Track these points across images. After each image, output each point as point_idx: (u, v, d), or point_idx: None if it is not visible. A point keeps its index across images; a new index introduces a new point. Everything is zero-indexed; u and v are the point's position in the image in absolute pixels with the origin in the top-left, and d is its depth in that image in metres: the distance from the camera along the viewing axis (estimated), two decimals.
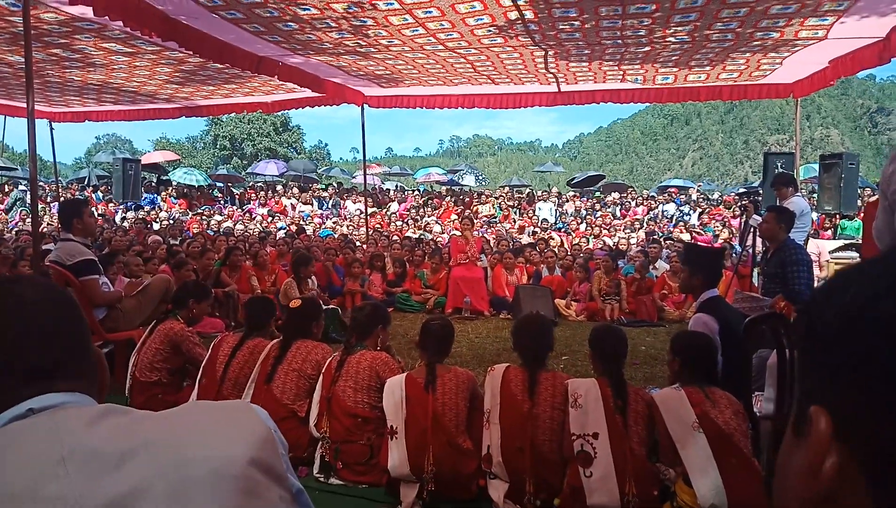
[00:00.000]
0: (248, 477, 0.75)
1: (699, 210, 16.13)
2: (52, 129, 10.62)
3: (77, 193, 17.22)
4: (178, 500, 0.71)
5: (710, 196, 18.73)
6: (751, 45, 6.32)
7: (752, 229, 6.04)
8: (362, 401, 3.25)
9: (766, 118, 65.38)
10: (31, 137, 4.49)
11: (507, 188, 22.24)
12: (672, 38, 6.08)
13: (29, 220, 13.92)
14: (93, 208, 5.54)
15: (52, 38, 6.24)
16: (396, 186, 24.91)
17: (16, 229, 13.27)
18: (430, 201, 17.94)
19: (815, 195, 13.18)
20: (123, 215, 14.89)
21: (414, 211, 17.11)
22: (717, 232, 13.02)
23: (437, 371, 3.10)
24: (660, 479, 2.68)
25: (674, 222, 15.06)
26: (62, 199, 13.68)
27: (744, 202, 6.26)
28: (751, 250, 6.50)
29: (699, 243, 9.61)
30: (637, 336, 6.28)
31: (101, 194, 16.79)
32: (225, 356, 3.79)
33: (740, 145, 66.54)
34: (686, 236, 12.44)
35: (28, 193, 16.27)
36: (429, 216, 16.39)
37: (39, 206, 14.60)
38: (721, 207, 16.33)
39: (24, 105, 9.72)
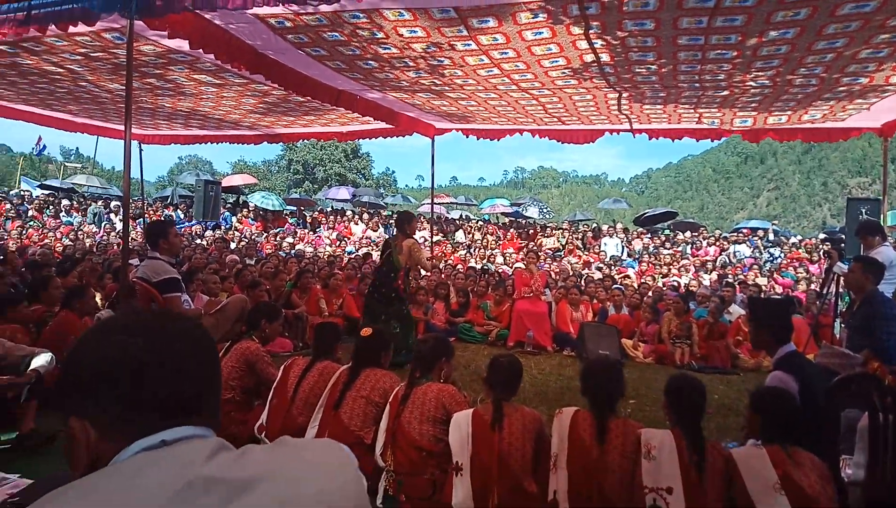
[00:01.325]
0: None
1: (776, 254, 15.47)
2: (141, 150, 11.27)
3: (161, 210, 18.18)
4: None
5: (786, 239, 17.93)
6: (836, 90, 6.09)
7: (835, 278, 5.76)
8: (427, 433, 3.26)
9: (847, 160, 62.38)
10: (126, 161, 4.79)
11: (570, 222, 22.05)
12: (752, 83, 5.94)
13: (113, 233, 14.80)
14: (177, 229, 5.83)
15: (149, 68, 6.68)
16: (461, 215, 25.10)
17: (102, 241, 14.10)
18: (486, 234, 17.94)
19: None
20: (201, 233, 15.61)
21: (478, 242, 17.17)
22: (798, 277, 12.41)
23: (505, 410, 3.07)
24: None
25: (748, 265, 14.47)
26: (147, 217, 14.48)
27: (827, 248, 5.97)
28: (833, 300, 6.18)
29: (766, 296, 9.16)
30: (709, 383, 5.95)
31: (181, 213, 17.67)
32: (295, 377, 3.89)
33: (818, 187, 63.65)
34: (763, 281, 11.93)
35: (101, 208, 17.37)
36: (492, 248, 16.38)
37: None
38: (800, 250, 15.60)
39: (116, 127, 10.54)
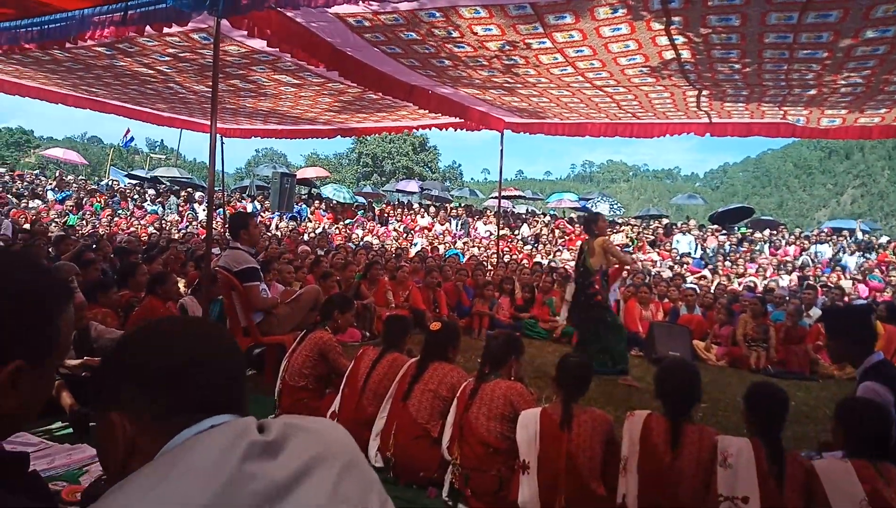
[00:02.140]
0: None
1: (861, 254, 14.61)
2: (223, 143, 11.75)
3: (240, 201, 18.93)
4: (350, 463, 0.96)
5: (875, 238, 16.88)
6: None
7: None
8: (495, 430, 3.28)
9: None
10: (211, 158, 5.02)
11: (641, 218, 21.50)
12: (843, 82, 5.60)
13: (196, 222, 15.53)
14: (257, 221, 6.08)
15: (233, 68, 6.97)
16: (527, 209, 24.93)
17: (184, 230, 14.84)
18: (553, 229, 17.72)
19: None
20: (277, 224, 16.19)
21: (544, 236, 17.02)
22: (888, 281, 11.69)
23: (574, 411, 3.06)
24: None
25: (829, 267, 13.74)
26: (227, 208, 15.12)
27: None
28: None
29: (840, 304, 8.64)
30: (787, 389, 5.77)
31: (258, 204, 18.36)
32: (366, 368, 4.00)
33: None
34: (847, 284, 11.30)
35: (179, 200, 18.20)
36: (559, 244, 16.20)
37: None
38: (888, 252, 14.67)
39: (199, 121, 11.06)
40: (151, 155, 44.00)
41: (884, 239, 16.73)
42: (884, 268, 13.11)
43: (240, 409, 0.97)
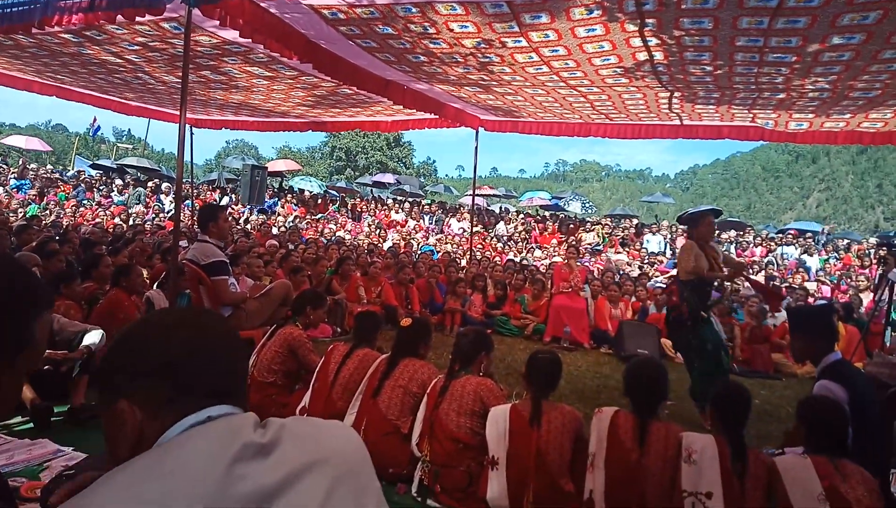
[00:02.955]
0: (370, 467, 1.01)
1: (825, 256, 15.01)
2: (192, 134, 11.55)
3: (208, 194, 18.61)
4: (346, 471, 0.94)
5: (837, 242, 17.35)
6: None
7: (889, 284, 5.58)
8: (465, 426, 3.29)
9: None
10: (180, 149, 4.92)
11: (612, 218, 21.74)
12: (810, 87, 5.74)
13: (162, 215, 15.23)
14: (227, 214, 5.95)
15: (204, 59, 6.84)
16: (501, 207, 25.04)
17: (148, 221, 14.53)
18: (525, 228, 17.84)
19: None
20: (247, 217, 15.96)
21: (517, 234, 17.11)
22: (852, 284, 11.96)
23: (543, 407, 3.09)
24: None
25: (794, 267, 14.08)
26: (195, 200, 14.85)
27: (882, 254, 5.77)
28: (885, 307, 5.99)
29: (804, 304, 8.88)
30: (750, 388, 5.89)
31: (231, 197, 18.07)
32: (336, 363, 3.98)
33: (873, 189, 61.23)
34: (812, 285, 11.58)
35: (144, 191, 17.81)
36: (533, 242, 16.31)
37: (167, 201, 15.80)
38: (851, 255, 15.09)
39: (169, 110, 10.83)
40: (118, 145, 42.97)
41: (845, 241, 17.21)
42: (844, 270, 13.48)
43: (240, 399, 1.00)
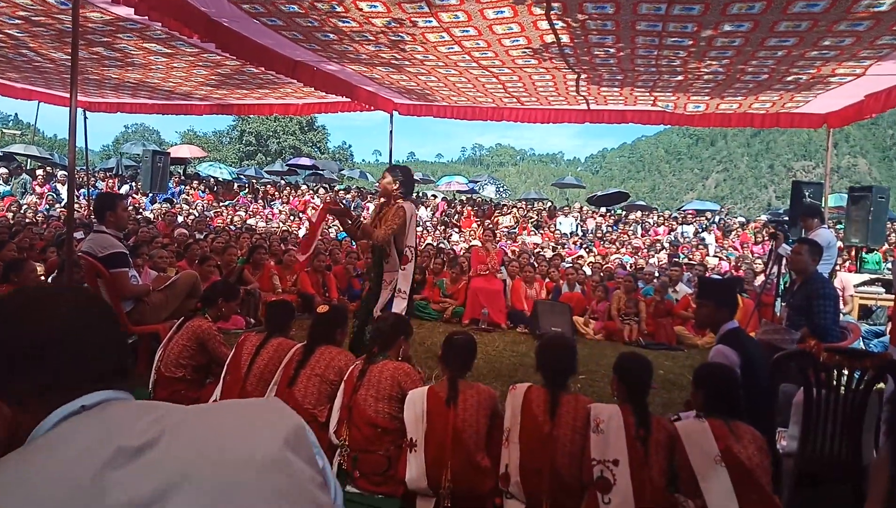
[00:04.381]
0: (283, 459, 0.81)
1: (720, 234, 16.00)
2: (86, 118, 10.79)
3: (105, 181, 17.49)
4: (223, 491, 0.76)
5: (729, 221, 18.56)
6: (785, 80, 6.30)
7: (779, 258, 6.00)
8: (383, 411, 3.27)
9: (793, 144, 64.66)
10: (71, 133, 4.61)
11: (525, 201, 22.25)
12: (705, 70, 6.08)
13: (58, 205, 14.20)
14: (126, 203, 5.61)
15: (96, 36, 6.38)
16: (420, 193, 25.02)
17: (44, 212, 13.51)
18: (455, 213, 17.97)
19: (840, 226, 13.02)
20: (148, 206, 15.13)
21: (439, 219, 17.19)
22: (741, 259, 12.82)
23: (460, 387, 3.12)
24: None
25: (694, 245, 14.95)
26: (92, 188, 13.92)
27: (773, 230, 6.21)
28: (775, 279, 6.45)
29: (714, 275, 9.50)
30: (655, 359, 6.19)
31: (132, 185, 17.06)
32: (249, 354, 3.85)
33: (765, 169, 65.85)
34: (714, 261, 12.31)
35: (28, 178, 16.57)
36: (451, 226, 16.43)
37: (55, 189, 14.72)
38: (747, 232, 16.17)
39: (59, 94, 10.06)
40: (4, 130, 39.60)
41: (740, 219, 18.42)
42: (736, 246, 14.44)
43: (121, 380, 0.91)
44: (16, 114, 59.49)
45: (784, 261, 5.78)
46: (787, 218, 11.07)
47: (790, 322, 4.38)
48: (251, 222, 15.04)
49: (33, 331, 0.87)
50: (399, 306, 4.54)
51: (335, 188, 20.92)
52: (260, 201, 18.23)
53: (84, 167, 13.16)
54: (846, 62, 5.51)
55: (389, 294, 4.64)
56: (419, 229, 15.89)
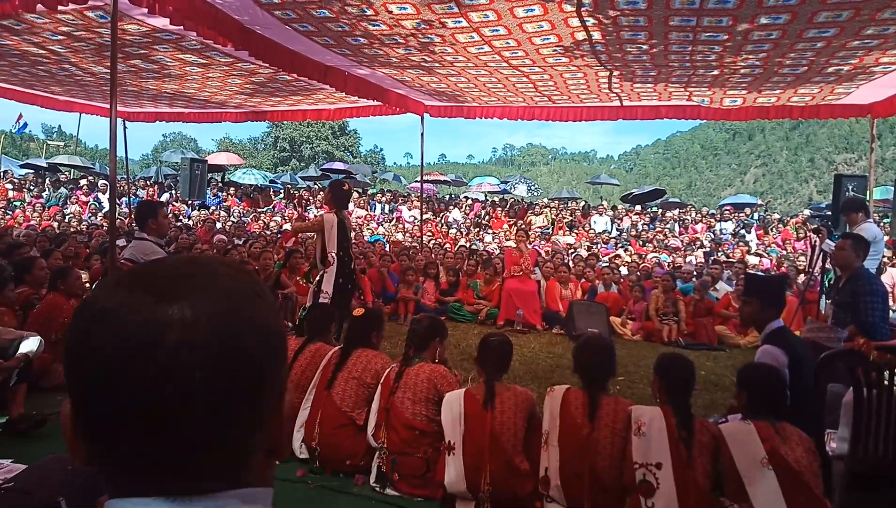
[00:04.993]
0: None
1: (762, 231, 15.60)
2: (125, 128, 11.08)
3: (146, 189, 17.95)
4: None
5: (769, 216, 18.08)
6: (825, 72, 6.11)
7: (823, 255, 5.82)
8: (420, 413, 3.28)
9: (834, 136, 62.68)
10: (111, 144, 4.73)
11: (558, 200, 22.03)
12: (742, 64, 5.94)
13: (101, 213, 14.62)
14: (167, 210, 5.73)
15: (134, 48, 6.55)
16: (450, 195, 25.03)
17: (87, 221, 13.93)
18: (485, 214, 17.95)
19: (887, 220, 12.56)
20: (188, 213, 15.48)
21: (471, 220, 17.18)
22: (783, 257, 12.46)
23: (496, 389, 3.10)
24: None
25: (734, 242, 14.60)
26: (133, 197, 14.30)
27: (815, 226, 6.03)
28: (819, 276, 6.26)
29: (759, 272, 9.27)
30: (696, 360, 6.09)
31: (171, 193, 17.45)
32: (288, 358, 3.90)
33: (806, 163, 63.99)
34: (755, 259, 12.00)
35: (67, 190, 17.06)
36: (483, 228, 16.41)
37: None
38: (789, 228, 15.74)
39: (99, 105, 10.36)
40: (48, 142, 40.93)
41: (777, 215, 17.95)
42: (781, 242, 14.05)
43: (211, 468, 0.56)
44: (59, 126, 61.36)
45: (828, 257, 5.61)
46: (829, 213, 10.74)
47: (836, 320, 4.24)
48: (286, 227, 15.26)
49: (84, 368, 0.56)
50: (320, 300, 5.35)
51: (367, 191, 21.08)
52: (297, 205, 18.47)
53: (125, 176, 13.52)
54: (891, 50, 5.31)
55: (314, 288, 5.56)
56: (453, 230, 15.91)
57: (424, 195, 14.66)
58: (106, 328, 0.54)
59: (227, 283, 0.59)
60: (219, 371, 0.55)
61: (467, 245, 12.87)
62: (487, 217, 17.52)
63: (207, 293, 0.57)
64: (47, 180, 18.37)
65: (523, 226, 12.65)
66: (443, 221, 17.33)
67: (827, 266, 5.96)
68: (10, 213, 14.48)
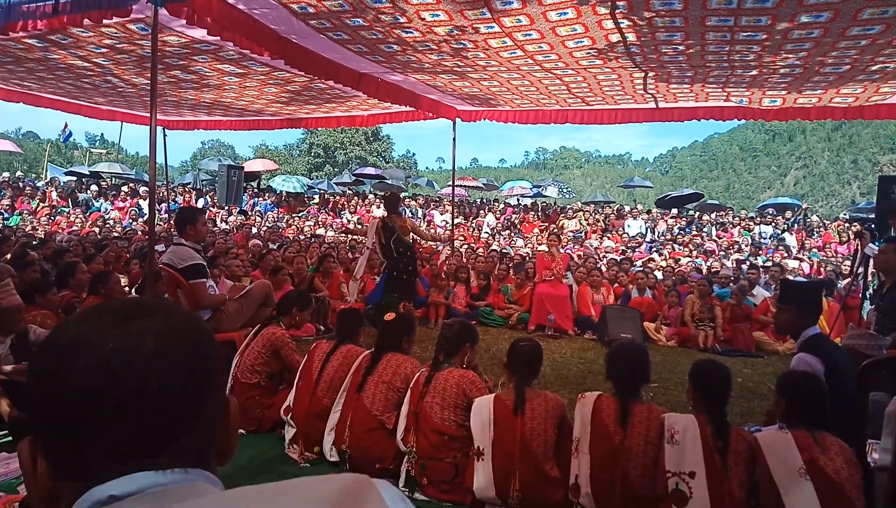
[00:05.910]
0: None
1: (804, 233, 15.20)
2: (165, 136, 11.38)
3: (184, 195, 18.39)
4: None
5: (809, 217, 17.60)
6: (870, 70, 5.92)
7: (866, 259, 5.65)
8: (449, 419, 3.28)
9: (879, 136, 60.60)
10: (151, 152, 4.88)
11: (591, 204, 21.83)
12: (781, 63, 5.80)
13: (141, 219, 15.04)
14: (205, 217, 5.89)
15: (173, 59, 6.74)
16: (482, 199, 25.01)
17: (128, 227, 14.35)
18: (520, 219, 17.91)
19: None
20: (225, 218, 15.80)
21: (503, 224, 17.15)
22: (823, 261, 12.11)
23: (527, 395, 3.09)
24: None
25: (773, 247, 14.24)
26: (172, 203, 14.66)
27: (859, 229, 5.84)
28: (862, 282, 6.07)
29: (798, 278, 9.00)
30: (733, 367, 5.95)
31: (206, 198, 17.86)
32: (320, 360, 3.95)
33: (848, 165, 62.04)
34: (794, 263, 11.68)
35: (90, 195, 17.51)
36: (516, 232, 16.37)
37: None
38: (829, 231, 15.29)
39: (140, 113, 10.67)
40: (91, 150, 42.23)
41: (816, 218, 17.45)
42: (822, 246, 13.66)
43: (187, 447, 0.66)
44: (101, 134, 63.21)
45: (871, 262, 5.44)
46: (872, 215, 10.40)
47: (879, 327, 4.10)
48: (320, 231, 15.47)
49: (61, 375, 0.64)
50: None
51: (401, 196, 21.23)
52: (329, 211, 18.70)
53: (164, 183, 13.87)
54: None
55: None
56: (485, 234, 15.94)
57: (456, 200, 14.65)
58: (80, 356, 0.64)
59: (171, 306, 0.74)
60: (192, 371, 0.68)
61: (499, 249, 12.85)
62: (519, 221, 17.46)
63: (163, 312, 0.70)
64: (93, 186, 18.96)
65: (555, 230, 12.57)
66: (475, 225, 17.32)
67: (870, 271, 5.78)
68: (54, 218, 14.97)
